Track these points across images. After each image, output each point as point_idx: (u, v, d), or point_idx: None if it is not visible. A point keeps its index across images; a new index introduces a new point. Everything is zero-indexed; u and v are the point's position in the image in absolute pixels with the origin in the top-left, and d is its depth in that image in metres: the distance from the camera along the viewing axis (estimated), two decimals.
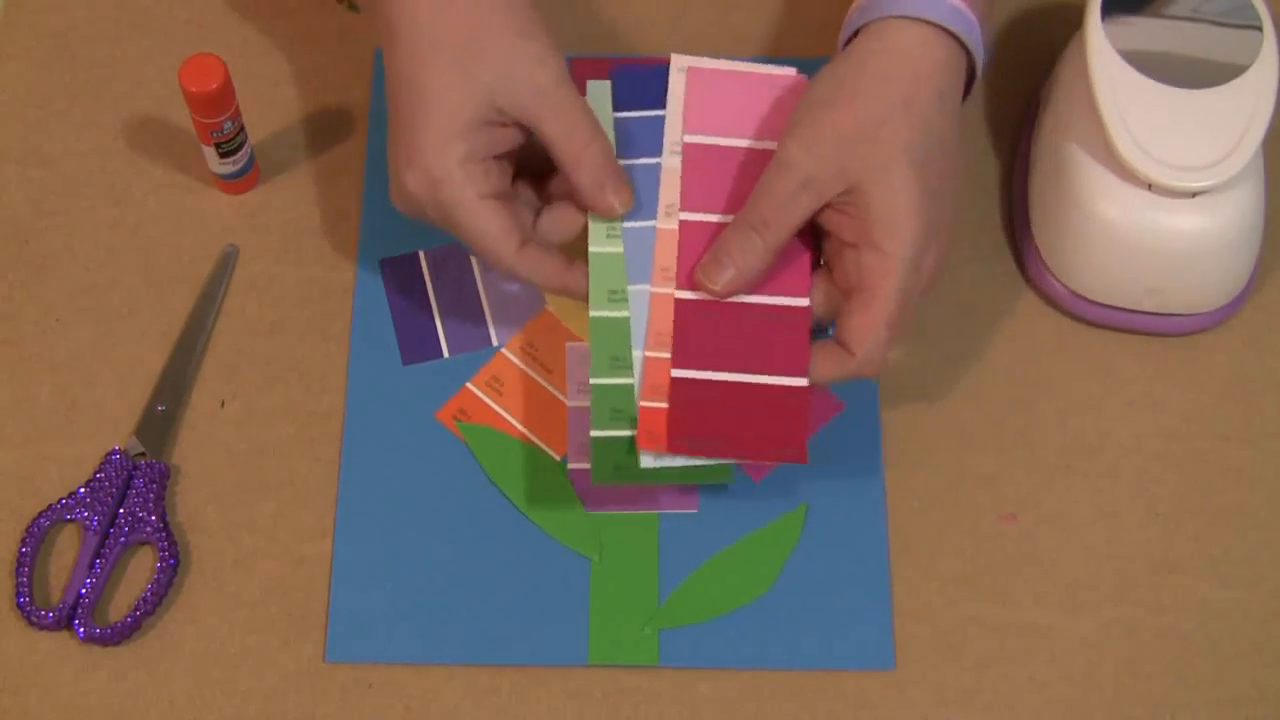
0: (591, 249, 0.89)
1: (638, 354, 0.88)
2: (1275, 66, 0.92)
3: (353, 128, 1.01)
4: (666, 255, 0.89)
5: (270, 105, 1.01)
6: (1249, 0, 0.94)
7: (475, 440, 0.93)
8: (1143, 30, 0.93)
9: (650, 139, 0.92)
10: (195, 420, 0.94)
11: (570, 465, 0.92)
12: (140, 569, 0.90)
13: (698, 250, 0.88)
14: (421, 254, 0.97)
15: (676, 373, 0.86)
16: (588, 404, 0.93)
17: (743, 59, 1.03)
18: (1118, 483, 0.93)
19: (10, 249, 0.98)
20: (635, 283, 0.89)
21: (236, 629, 0.89)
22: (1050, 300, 0.96)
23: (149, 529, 0.90)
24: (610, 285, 0.89)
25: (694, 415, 0.86)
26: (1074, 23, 0.96)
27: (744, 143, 0.91)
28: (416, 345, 0.95)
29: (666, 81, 0.92)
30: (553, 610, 0.89)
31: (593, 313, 0.88)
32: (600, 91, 0.93)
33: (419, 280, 0.97)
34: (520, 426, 0.93)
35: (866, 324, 0.85)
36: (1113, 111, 0.91)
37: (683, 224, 0.89)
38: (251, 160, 0.98)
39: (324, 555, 0.90)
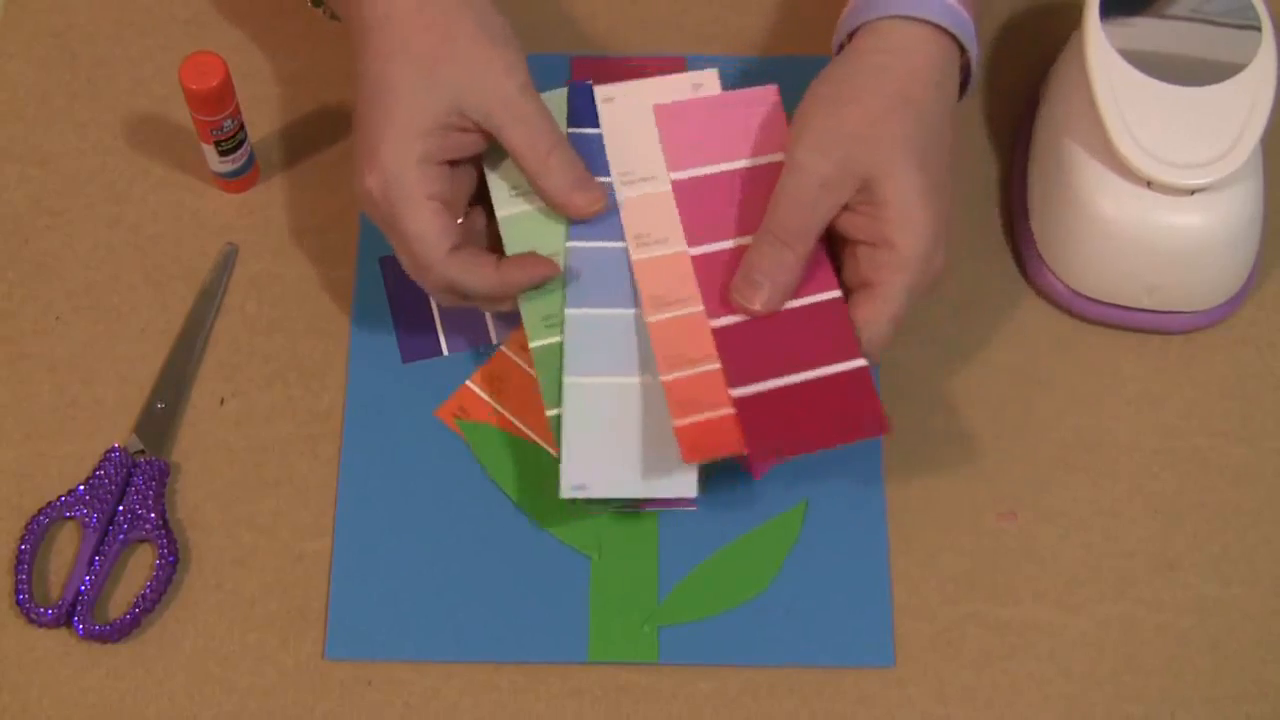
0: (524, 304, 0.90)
1: (648, 379, 0.88)
2: (1274, 64, 0.92)
3: (352, 126, 1.01)
4: (654, 284, 0.89)
5: (270, 104, 1.01)
6: (1248, 0, 0.94)
7: (474, 438, 0.93)
8: (1141, 30, 0.93)
9: (598, 157, 0.92)
10: (195, 418, 0.94)
11: None
12: (140, 566, 0.90)
13: (719, 278, 0.88)
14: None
15: (737, 392, 0.86)
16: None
17: (743, 58, 1.03)
18: (1117, 480, 0.93)
19: (10, 247, 0.98)
20: (610, 307, 0.89)
21: (236, 626, 0.89)
22: (1049, 298, 0.97)
23: (148, 526, 0.90)
24: (545, 311, 0.90)
25: (768, 426, 0.85)
26: (1073, 21, 0.96)
27: (735, 165, 0.91)
28: (416, 343, 0.95)
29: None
30: (552, 608, 0.89)
31: (533, 343, 0.89)
32: (555, 101, 0.93)
33: None
34: (519, 424, 0.93)
35: (870, 317, 0.85)
36: (1112, 109, 0.91)
37: (695, 259, 0.89)
38: (251, 159, 0.98)
39: (323, 553, 0.90)
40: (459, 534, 0.91)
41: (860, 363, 0.86)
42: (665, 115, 0.93)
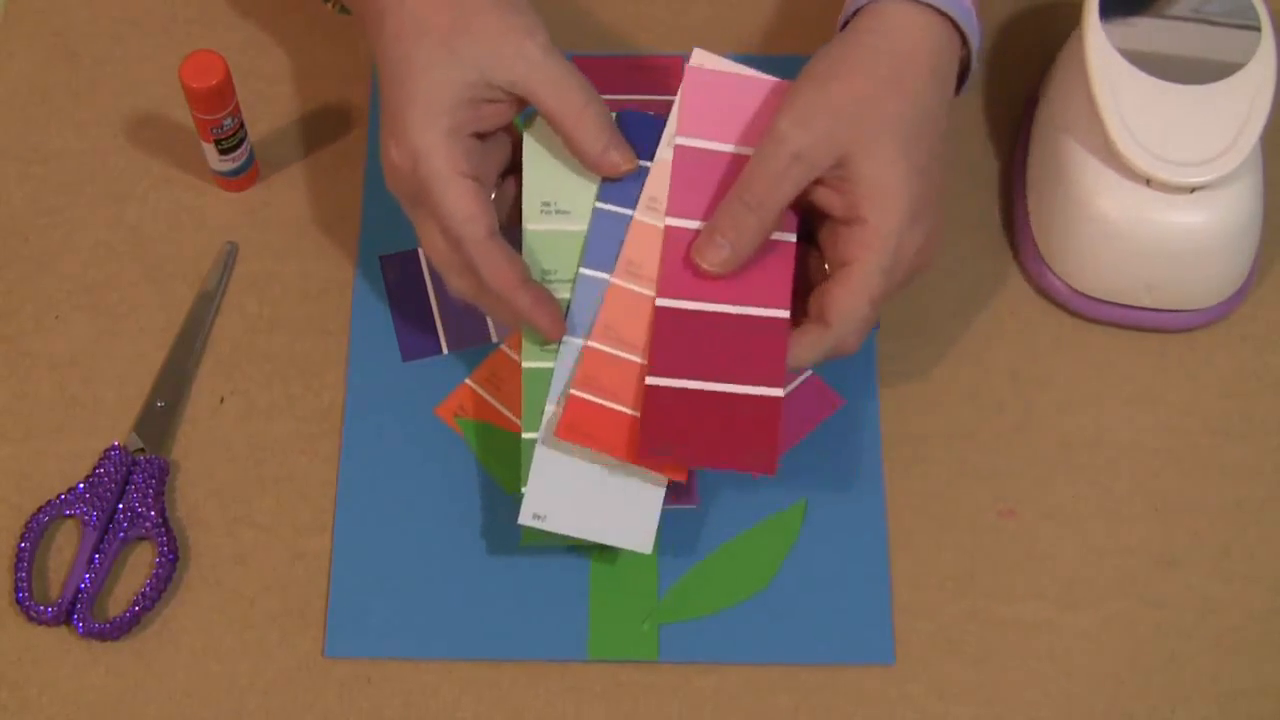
0: (526, 363, 0.88)
1: (576, 341, 0.87)
2: (1274, 64, 0.92)
3: (352, 125, 1.01)
4: (636, 249, 0.88)
5: (270, 102, 1.01)
6: (1248, 0, 0.94)
7: (474, 436, 0.93)
8: (1141, 29, 0.93)
9: (628, 187, 0.89)
10: (195, 416, 0.94)
11: None
12: (139, 564, 0.90)
13: (680, 255, 0.87)
14: (421, 250, 0.97)
15: (653, 380, 0.85)
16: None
17: (743, 57, 1.03)
18: (1117, 478, 0.93)
19: (10, 246, 0.98)
20: (591, 268, 0.88)
21: (235, 624, 0.89)
22: (1049, 296, 0.97)
23: (148, 524, 0.90)
24: (552, 266, 0.88)
25: (666, 422, 0.85)
26: (1072, 21, 0.96)
27: (734, 149, 0.89)
28: (416, 341, 0.95)
29: (660, 133, 0.90)
30: (552, 605, 0.89)
31: (526, 364, 0.87)
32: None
33: (418, 277, 0.97)
34: (519, 422, 0.93)
35: (845, 295, 0.84)
36: (1111, 108, 0.91)
37: (668, 229, 0.88)
38: (251, 157, 0.98)
39: (323, 550, 0.90)
40: (458, 532, 0.91)
41: (778, 393, 0.85)
42: (693, 79, 0.90)
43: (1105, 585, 0.90)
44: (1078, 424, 0.94)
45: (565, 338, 0.87)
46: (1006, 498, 0.92)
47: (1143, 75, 0.91)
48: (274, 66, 1.03)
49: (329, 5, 0.98)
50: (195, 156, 0.99)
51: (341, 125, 1.01)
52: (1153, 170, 0.90)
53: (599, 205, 0.88)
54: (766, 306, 0.86)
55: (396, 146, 0.85)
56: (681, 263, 0.87)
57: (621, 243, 0.88)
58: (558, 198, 0.89)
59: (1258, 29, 0.93)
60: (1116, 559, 0.91)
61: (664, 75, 1.03)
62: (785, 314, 0.86)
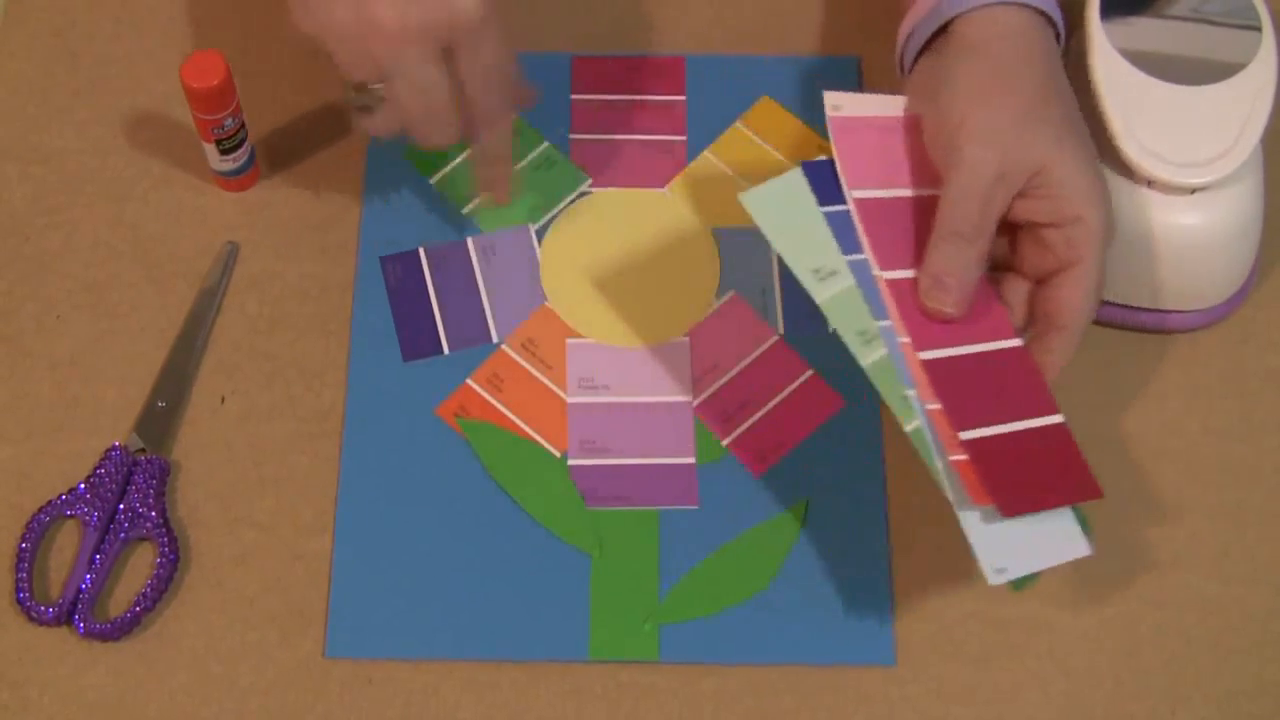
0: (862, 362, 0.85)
1: (921, 408, 0.84)
2: (1274, 64, 0.92)
3: (352, 125, 1.01)
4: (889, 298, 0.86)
5: (270, 102, 1.01)
6: (1249, 0, 0.94)
7: (475, 436, 0.93)
8: (1142, 30, 0.93)
9: (846, 232, 0.87)
10: (195, 416, 0.94)
11: (570, 461, 0.92)
12: (140, 564, 0.90)
13: (911, 306, 0.85)
14: (422, 250, 0.97)
15: (966, 435, 0.83)
16: (587, 400, 0.94)
17: (743, 57, 1.03)
18: (1117, 478, 0.92)
19: (10, 246, 0.98)
20: (879, 319, 0.85)
21: (236, 624, 0.89)
22: None
23: (149, 525, 0.90)
24: (859, 326, 0.85)
25: (1004, 473, 0.82)
26: (1073, 21, 0.96)
27: (911, 192, 0.88)
28: (416, 341, 0.95)
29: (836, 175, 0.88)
30: (553, 606, 0.89)
31: (863, 362, 0.84)
32: (793, 185, 0.87)
33: (419, 277, 0.97)
34: (520, 423, 0.93)
35: (1079, 295, 0.85)
36: (1113, 109, 0.91)
37: (890, 283, 0.85)
38: (252, 157, 0.98)
39: (324, 551, 0.90)
40: (459, 532, 0.91)
41: (1059, 418, 0.84)
42: (839, 126, 0.88)
43: (1105, 586, 0.90)
44: (1077, 424, 0.93)
45: (908, 394, 0.83)
46: None
47: (1143, 76, 0.91)
48: (274, 66, 1.03)
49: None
50: (195, 156, 0.99)
51: (342, 125, 1.01)
52: (1154, 171, 0.90)
53: (848, 258, 0.86)
54: (998, 339, 0.86)
55: None
56: (918, 313, 0.85)
57: (877, 290, 0.85)
58: (817, 261, 0.86)
59: (1258, 29, 0.93)
60: (1116, 559, 0.91)
61: (664, 75, 1.03)
62: (1018, 341, 0.86)
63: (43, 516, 0.90)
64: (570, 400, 0.94)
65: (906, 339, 0.84)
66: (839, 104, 0.88)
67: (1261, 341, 0.96)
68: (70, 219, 0.99)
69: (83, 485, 0.91)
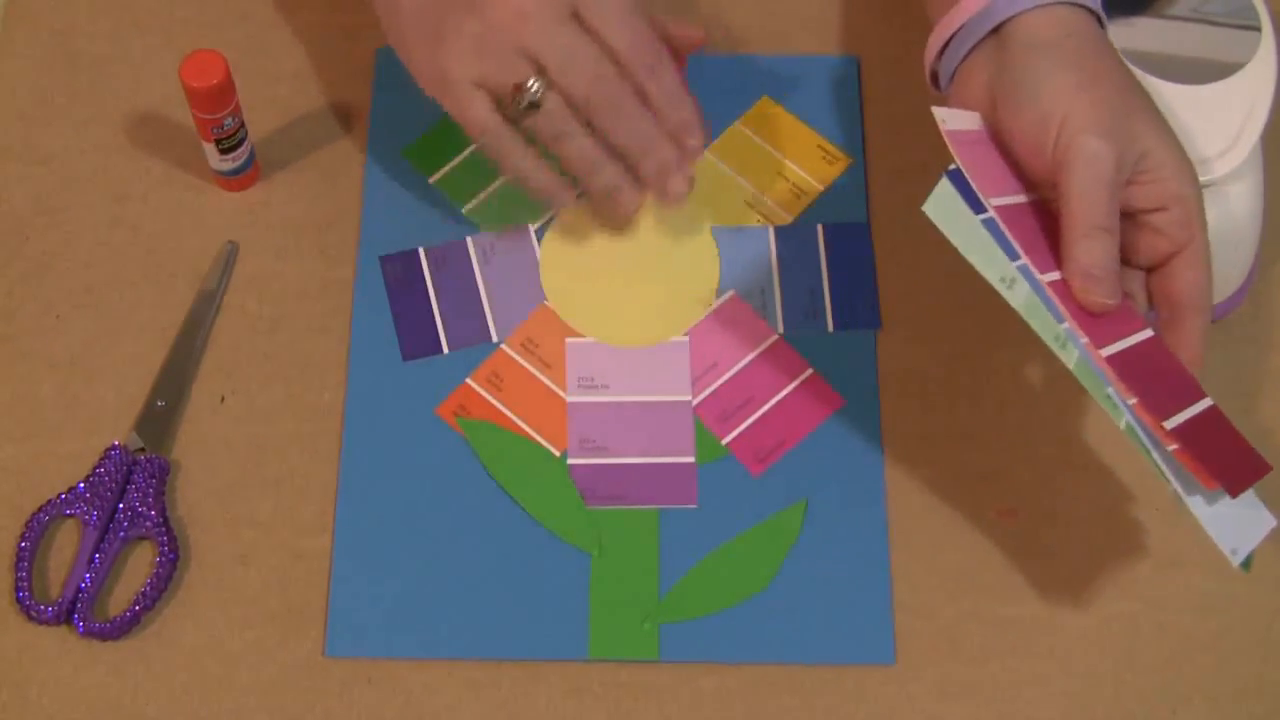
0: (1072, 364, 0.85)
1: (1125, 404, 0.83)
2: (1274, 64, 0.92)
3: (352, 125, 1.01)
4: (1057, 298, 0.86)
5: (271, 102, 1.01)
6: (1249, 0, 0.94)
7: (475, 436, 0.93)
8: (1141, 29, 0.93)
9: (1004, 239, 0.85)
10: (195, 416, 0.94)
11: (569, 461, 0.92)
12: (140, 564, 0.90)
13: (1072, 307, 0.85)
14: (421, 250, 0.97)
15: (1170, 423, 0.83)
16: (587, 399, 0.94)
17: (743, 57, 1.03)
18: (1117, 478, 0.93)
19: (10, 245, 0.98)
20: (1062, 322, 0.85)
21: (236, 624, 0.89)
22: None
23: (148, 524, 0.90)
24: (1052, 330, 0.84)
25: (1212, 456, 0.83)
26: None
27: (1025, 198, 0.88)
28: (416, 341, 0.95)
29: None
30: (552, 605, 0.89)
31: (1071, 364, 0.84)
32: (945, 199, 0.85)
33: (419, 276, 0.97)
34: (520, 422, 0.93)
35: (1198, 274, 0.85)
36: None
37: (1051, 285, 0.85)
38: (251, 157, 0.98)
39: (324, 550, 0.90)
40: (459, 532, 0.91)
41: (1210, 402, 0.84)
42: (957, 140, 0.87)
43: (1105, 585, 0.90)
44: (1078, 424, 0.94)
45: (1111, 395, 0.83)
46: (1007, 498, 0.92)
47: (1144, 75, 0.91)
48: (274, 66, 1.03)
49: None
50: (195, 156, 0.99)
51: (342, 125, 1.01)
52: None
53: (1015, 264, 0.85)
54: (1136, 331, 0.85)
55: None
56: (1081, 312, 0.85)
57: (1045, 294, 0.85)
58: (1000, 269, 0.84)
59: (1258, 29, 0.93)
60: (1117, 559, 0.91)
61: None
62: (1150, 332, 0.86)
63: (42, 516, 0.90)
64: (570, 400, 0.94)
65: (1086, 338, 0.84)
66: (945, 118, 0.88)
67: (1261, 340, 0.96)
68: (70, 219, 0.99)
69: (82, 485, 0.91)
